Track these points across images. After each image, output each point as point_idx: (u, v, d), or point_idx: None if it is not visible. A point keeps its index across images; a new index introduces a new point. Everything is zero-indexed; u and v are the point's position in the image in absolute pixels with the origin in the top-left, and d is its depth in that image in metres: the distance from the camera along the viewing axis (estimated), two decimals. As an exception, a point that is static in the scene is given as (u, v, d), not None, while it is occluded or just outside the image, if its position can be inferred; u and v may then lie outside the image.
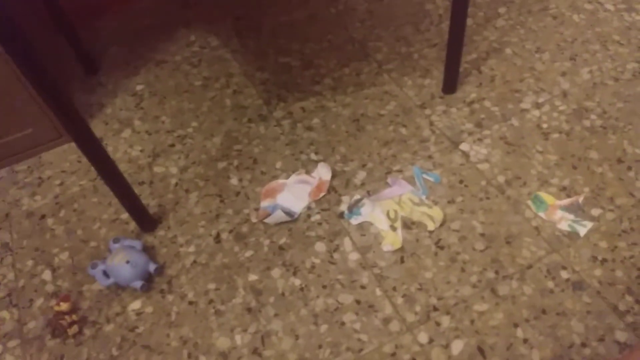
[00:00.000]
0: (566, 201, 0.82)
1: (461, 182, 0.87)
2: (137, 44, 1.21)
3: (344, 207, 0.86)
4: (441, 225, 0.82)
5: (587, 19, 1.13)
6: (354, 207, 0.85)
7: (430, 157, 0.91)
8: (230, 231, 0.85)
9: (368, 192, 0.88)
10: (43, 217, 0.92)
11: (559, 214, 0.80)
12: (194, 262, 0.82)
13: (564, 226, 0.79)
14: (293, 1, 1.27)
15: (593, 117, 0.94)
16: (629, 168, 0.86)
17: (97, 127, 1.06)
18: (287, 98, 1.06)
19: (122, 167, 0.98)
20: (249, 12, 1.26)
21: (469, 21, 1.16)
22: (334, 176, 0.90)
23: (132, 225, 0.88)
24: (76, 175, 0.98)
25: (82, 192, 0.95)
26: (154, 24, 1.26)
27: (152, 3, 1.30)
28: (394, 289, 0.76)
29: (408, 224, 0.83)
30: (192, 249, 0.84)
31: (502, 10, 1.17)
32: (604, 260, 0.75)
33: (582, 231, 0.78)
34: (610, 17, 1.13)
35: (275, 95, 1.07)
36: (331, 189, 0.89)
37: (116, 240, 0.83)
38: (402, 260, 0.78)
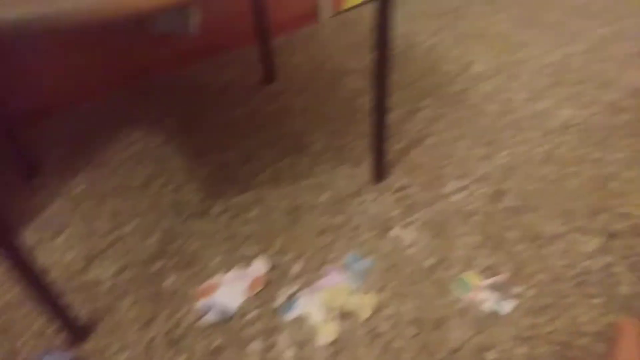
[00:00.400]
0: (489, 281, 0.86)
1: (392, 267, 0.91)
2: (79, 145, 1.24)
3: (279, 302, 0.87)
4: (374, 312, 0.84)
5: (500, 108, 1.24)
6: (288, 302, 0.86)
7: (363, 244, 0.95)
8: (166, 333, 0.84)
9: (305, 283, 0.89)
10: (-32, 332, 0.88)
11: (483, 294, 0.84)
12: (126, 370, 0.80)
13: (488, 306, 0.82)
14: (233, 100, 1.34)
15: (509, 197, 1.01)
16: (544, 245, 0.92)
17: (33, 233, 1.05)
18: (227, 192, 1.09)
19: (56, 273, 0.96)
20: (192, 110, 1.32)
21: (396, 114, 1.25)
22: (271, 269, 0.92)
23: (62, 335, 0.86)
24: (3, 287, 0.96)
25: (8, 304, 0.92)
26: (98, 124, 1.30)
27: (96, 104, 1.35)
28: (329, 383, 0.75)
29: (343, 314, 0.84)
30: (123, 357, 0.82)
31: (424, 103, 1.28)
32: (527, 338, 0.78)
33: (505, 310, 0.82)
34: (521, 105, 1.24)
35: (215, 191, 1.10)
36: (268, 282, 0.90)
37: (45, 353, 0.80)
38: (336, 354, 0.79)
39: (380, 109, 0.95)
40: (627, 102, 1.22)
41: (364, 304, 0.84)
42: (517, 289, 0.85)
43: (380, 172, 1.06)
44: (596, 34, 1.49)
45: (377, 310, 0.84)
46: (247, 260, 0.94)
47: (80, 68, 1.28)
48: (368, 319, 0.83)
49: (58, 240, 1.03)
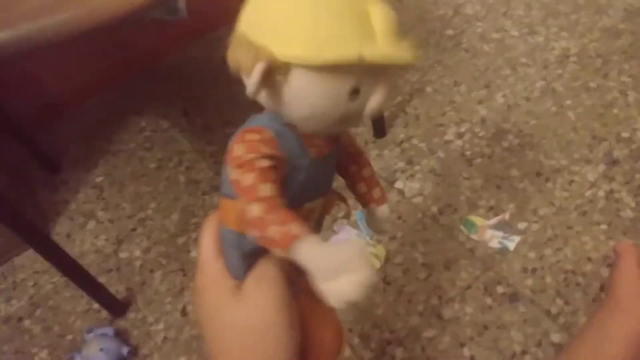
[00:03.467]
0: (494, 220, 0.89)
1: (399, 217, 0.95)
2: (93, 139, 1.30)
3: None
4: (386, 261, 0.89)
5: (496, 47, 1.24)
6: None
7: (370, 199, 0.99)
8: (195, 302, 0.91)
9: (317, 242, 0.94)
10: (20, 319, 0.97)
11: (489, 233, 0.88)
12: (165, 338, 0.88)
13: (494, 244, 0.86)
14: (232, 76, 1.37)
15: (510, 137, 1.03)
16: (547, 179, 0.94)
17: (64, 224, 1.12)
18: (237, 166, 1.14)
19: (90, 258, 1.04)
20: (195, 90, 1.36)
21: (393, 66, 1.26)
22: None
23: (105, 312, 0.94)
24: (48, 273, 1.04)
25: (55, 289, 1.00)
26: (107, 116, 1.35)
27: (103, 98, 1.40)
28: (350, 330, 0.81)
29: (357, 266, 0.89)
30: (161, 326, 0.89)
31: (421, 51, 1.28)
32: (534, 270, 0.82)
33: (512, 246, 0.86)
34: (516, 42, 1.24)
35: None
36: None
37: (89, 330, 0.88)
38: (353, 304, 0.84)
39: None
40: (623, 26, 1.21)
41: (376, 254, 0.89)
42: (522, 225, 0.88)
43: (380, 127, 1.09)
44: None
45: (389, 259, 0.89)
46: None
47: (82, 65, 1.32)
48: (381, 268, 0.88)
49: (88, 227, 1.10)
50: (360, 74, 0.30)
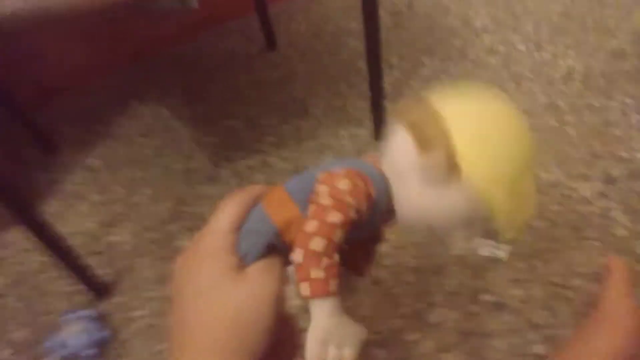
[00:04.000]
0: (486, 228, 0.89)
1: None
2: (92, 121, 1.30)
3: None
4: (375, 263, 0.88)
5: (502, 60, 1.24)
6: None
7: (364, 200, 0.98)
8: (180, 290, 0.90)
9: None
10: (1, 296, 0.96)
11: (480, 241, 0.87)
12: (147, 325, 0.87)
13: (485, 252, 0.86)
14: (236, 69, 1.37)
15: (509, 149, 1.03)
16: (542, 192, 0.94)
17: (55, 204, 1.12)
18: (234, 158, 1.13)
19: (79, 239, 1.03)
20: (197, 81, 1.36)
21: (398, 71, 1.27)
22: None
23: (90, 294, 0.93)
24: (35, 252, 1.03)
25: (40, 268, 1.00)
26: (108, 100, 1.35)
27: (105, 81, 1.40)
28: (334, 328, 0.80)
29: (346, 266, 0.89)
30: (145, 311, 0.88)
31: (425, 60, 1.28)
32: (523, 281, 0.82)
33: (502, 255, 0.85)
34: (522, 57, 1.24)
35: (223, 157, 1.14)
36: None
37: (73, 311, 0.87)
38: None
39: (375, 67, 0.98)
40: (629, 49, 1.21)
41: (365, 255, 0.89)
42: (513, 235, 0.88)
43: (381, 130, 1.09)
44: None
45: (378, 260, 0.88)
46: (255, 220, 0.99)
47: (87, 47, 1.33)
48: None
49: (79, 209, 1.09)
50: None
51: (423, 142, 0.31)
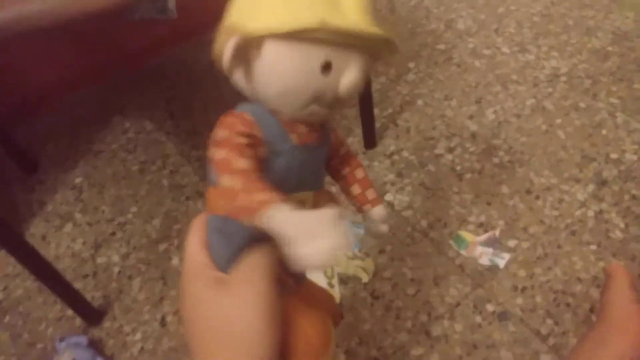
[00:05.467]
0: (484, 236, 0.88)
1: (390, 230, 0.93)
2: (74, 137, 1.25)
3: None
4: (374, 275, 0.87)
5: (487, 63, 1.25)
6: (291, 271, 0.89)
7: (359, 211, 0.97)
8: (175, 313, 0.87)
9: (304, 253, 0.92)
10: (-13, 325, 0.92)
11: (479, 249, 0.87)
12: (142, 349, 0.84)
13: (484, 261, 0.85)
14: (219, 78, 1.34)
15: (501, 153, 1.03)
16: (537, 197, 0.94)
17: (39, 225, 1.07)
18: (223, 172, 1.11)
19: (66, 262, 0.99)
20: (181, 92, 1.33)
21: (384, 78, 1.26)
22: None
23: (79, 320, 0.89)
24: (20, 277, 0.99)
25: (26, 294, 0.95)
26: (89, 115, 1.31)
27: (85, 94, 1.35)
28: (337, 345, 0.79)
29: (344, 279, 0.87)
30: (138, 336, 0.85)
31: (411, 65, 1.28)
32: (524, 288, 0.81)
33: (502, 263, 0.85)
34: (507, 59, 1.25)
35: (211, 171, 1.11)
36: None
37: (62, 339, 0.83)
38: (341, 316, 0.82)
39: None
40: (611, 48, 1.22)
41: (364, 267, 0.87)
42: (512, 242, 0.88)
43: (371, 138, 1.08)
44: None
45: (377, 272, 0.87)
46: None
47: (66, 59, 1.28)
48: (369, 282, 0.86)
49: (65, 230, 1.05)
50: (331, 48, 0.31)
51: (222, 55, 0.32)
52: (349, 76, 0.33)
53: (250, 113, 0.34)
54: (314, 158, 0.37)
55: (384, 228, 0.44)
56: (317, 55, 0.31)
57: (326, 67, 0.32)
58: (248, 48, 0.31)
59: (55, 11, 0.61)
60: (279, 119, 0.34)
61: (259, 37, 0.31)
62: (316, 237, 0.27)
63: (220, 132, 0.32)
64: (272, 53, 0.31)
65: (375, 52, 0.34)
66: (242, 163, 0.30)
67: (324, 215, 0.27)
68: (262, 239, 0.32)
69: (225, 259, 0.34)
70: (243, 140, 0.31)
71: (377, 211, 0.43)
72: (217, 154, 0.31)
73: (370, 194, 0.43)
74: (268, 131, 0.33)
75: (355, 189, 0.43)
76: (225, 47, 0.32)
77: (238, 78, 0.35)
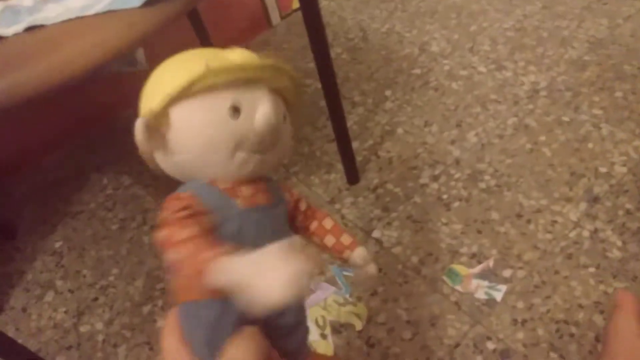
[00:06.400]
0: (478, 268, 0.85)
1: (380, 270, 0.89)
2: (51, 199, 1.22)
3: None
4: (368, 321, 0.83)
5: (464, 84, 1.23)
6: (281, 324, 0.85)
7: (347, 252, 0.93)
8: (163, 381, 0.83)
9: (293, 303, 0.88)
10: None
11: (474, 283, 0.83)
12: None
13: (481, 295, 0.82)
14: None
15: (487, 177, 1.00)
16: (529, 221, 0.91)
17: (19, 297, 1.03)
18: (205, 221, 1.07)
19: (48, 334, 0.95)
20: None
21: (362, 108, 1.23)
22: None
23: (63, 397, 0.85)
24: None
25: (7, 373, 0.91)
26: (66, 176, 1.27)
27: (60, 155, 1.33)
28: (334, 402, 0.75)
29: (337, 328, 0.83)
30: (125, 411, 0.81)
31: (388, 93, 1.26)
32: (524, 321, 0.78)
33: (499, 296, 0.81)
34: (484, 78, 1.23)
35: (193, 221, 1.08)
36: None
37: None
38: (337, 370, 0.78)
39: (335, 110, 0.94)
40: (588, 57, 1.21)
41: (357, 313, 0.83)
42: (507, 272, 0.84)
43: (353, 174, 1.05)
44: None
45: (371, 317, 0.83)
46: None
47: (37, 122, 1.25)
48: (363, 329, 0.82)
49: (46, 299, 1.01)
50: (234, 92, 0.33)
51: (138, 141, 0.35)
52: (260, 111, 0.33)
53: (187, 190, 0.34)
54: (271, 218, 0.37)
55: (372, 269, 0.43)
56: (221, 102, 0.33)
57: (235, 110, 0.33)
58: (158, 126, 0.33)
59: (41, 79, 0.58)
60: (219, 188, 0.34)
61: (163, 108, 0.32)
62: (268, 271, 0.26)
63: (161, 216, 0.32)
64: (179, 117, 0.33)
65: (279, 87, 0.37)
66: (184, 233, 0.30)
67: (272, 249, 0.27)
68: (235, 312, 0.31)
69: (205, 344, 0.33)
70: (182, 214, 0.31)
71: (358, 254, 0.42)
72: (160, 235, 0.31)
73: (346, 240, 0.43)
74: (209, 201, 0.33)
75: (329, 240, 0.42)
76: (135, 132, 0.33)
77: (160, 159, 0.36)
